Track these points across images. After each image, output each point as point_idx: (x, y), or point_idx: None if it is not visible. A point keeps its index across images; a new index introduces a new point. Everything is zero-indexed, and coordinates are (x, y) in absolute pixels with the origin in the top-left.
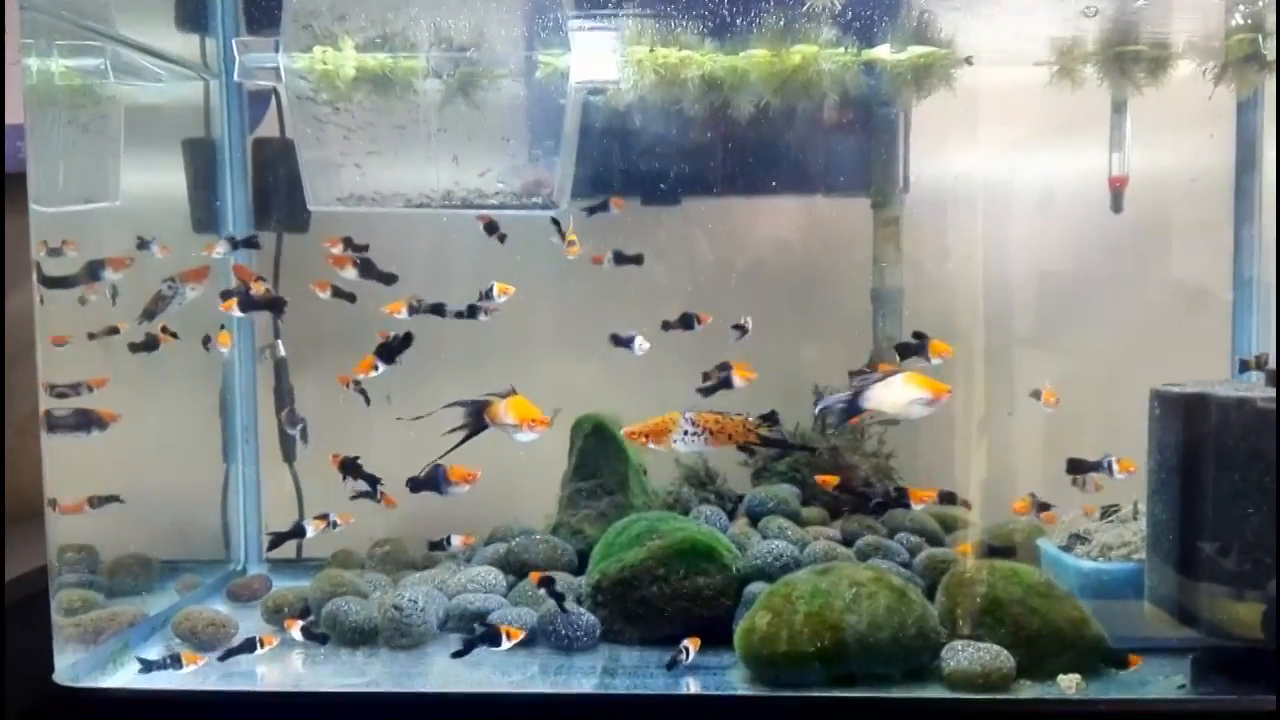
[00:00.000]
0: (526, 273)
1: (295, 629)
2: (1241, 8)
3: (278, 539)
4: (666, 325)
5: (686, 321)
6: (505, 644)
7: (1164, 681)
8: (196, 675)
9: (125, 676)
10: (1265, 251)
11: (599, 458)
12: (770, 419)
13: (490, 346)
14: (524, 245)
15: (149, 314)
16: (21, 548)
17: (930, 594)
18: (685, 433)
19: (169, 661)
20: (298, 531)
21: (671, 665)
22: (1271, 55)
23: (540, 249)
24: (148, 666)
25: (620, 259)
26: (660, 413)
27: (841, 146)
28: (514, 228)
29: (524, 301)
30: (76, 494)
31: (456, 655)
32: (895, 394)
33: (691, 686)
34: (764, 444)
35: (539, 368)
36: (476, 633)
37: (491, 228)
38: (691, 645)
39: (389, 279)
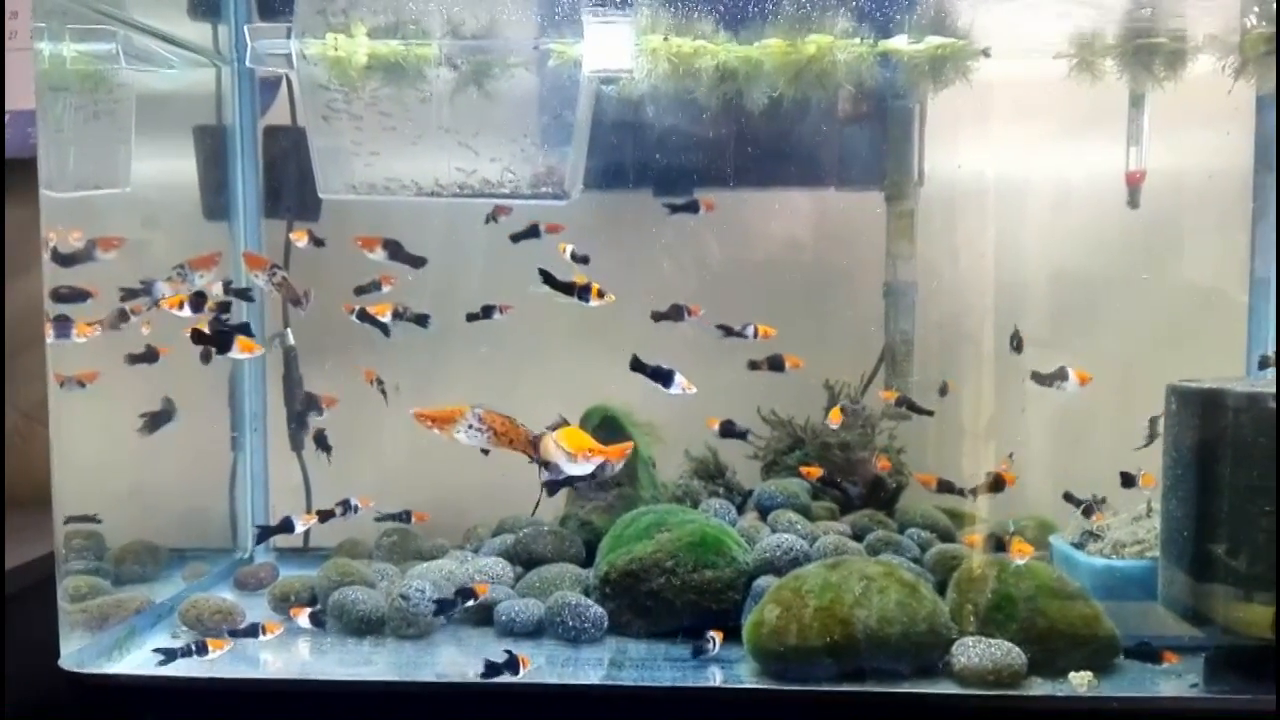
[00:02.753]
0: (533, 262)
1: (302, 616)
2: (1257, 7)
3: (264, 533)
4: (656, 316)
5: (676, 313)
6: (523, 671)
7: (1177, 680)
8: (202, 663)
9: (131, 663)
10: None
11: None
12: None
13: (502, 338)
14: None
15: (157, 303)
16: (31, 533)
17: (941, 590)
18: (470, 426)
19: (194, 648)
20: (285, 526)
21: (697, 653)
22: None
23: (546, 239)
24: (169, 656)
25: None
26: (672, 408)
27: (856, 139)
28: (526, 217)
29: (534, 294)
30: (86, 482)
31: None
32: None
33: (699, 679)
34: (544, 465)
35: (550, 359)
36: (502, 660)
37: (496, 219)
38: (717, 636)
39: (418, 261)
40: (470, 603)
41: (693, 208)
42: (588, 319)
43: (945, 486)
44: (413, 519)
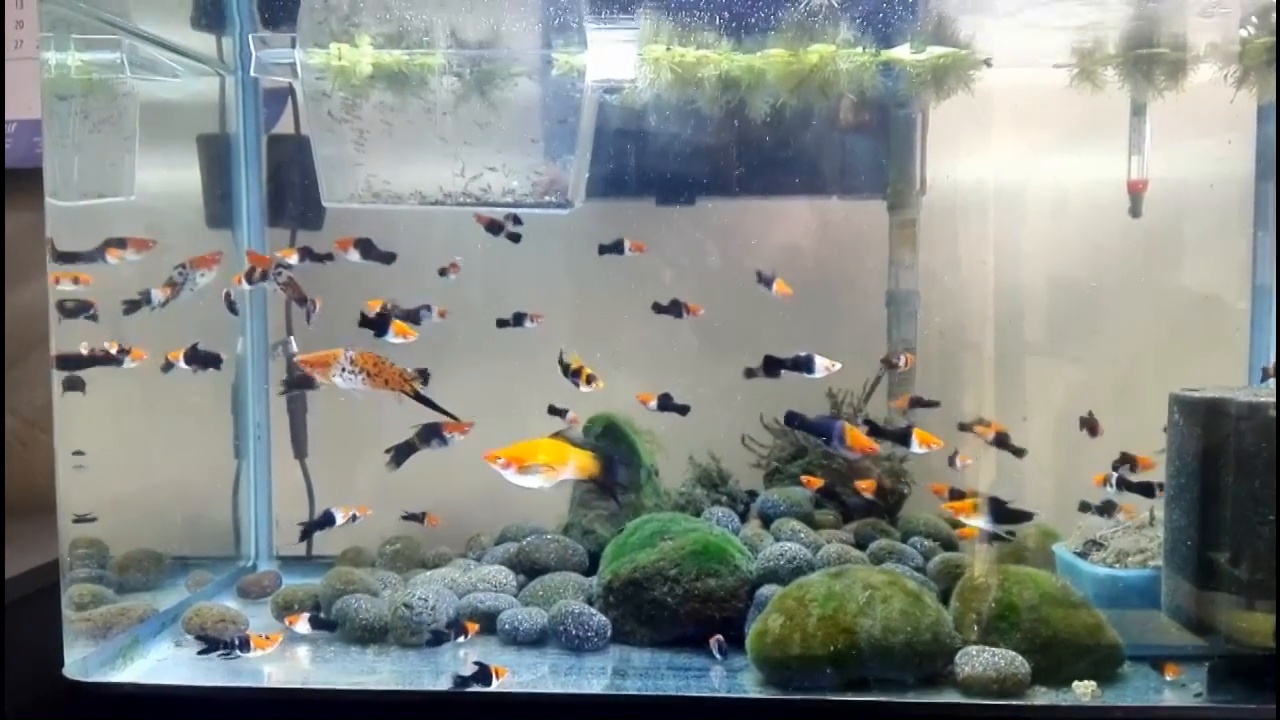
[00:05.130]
0: (538, 270)
1: (301, 622)
2: (1255, 19)
3: (309, 529)
4: (658, 308)
5: (676, 309)
6: (495, 683)
7: (1180, 690)
8: (205, 671)
9: (135, 671)
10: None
11: None
12: (423, 374)
13: (504, 339)
14: (539, 242)
15: (161, 302)
16: (34, 541)
17: (944, 599)
18: (344, 369)
19: (237, 643)
20: (327, 520)
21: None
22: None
23: (551, 248)
24: (211, 646)
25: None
26: (673, 416)
27: (858, 148)
28: (529, 225)
29: (538, 298)
30: (88, 489)
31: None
32: None
33: (703, 689)
34: (416, 399)
35: (551, 367)
36: (470, 673)
37: (496, 228)
38: (720, 639)
39: (388, 258)
40: (462, 638)
41: (768, 282)
42: (588, 326)
43: (956, 495)
44: (426, 520)
